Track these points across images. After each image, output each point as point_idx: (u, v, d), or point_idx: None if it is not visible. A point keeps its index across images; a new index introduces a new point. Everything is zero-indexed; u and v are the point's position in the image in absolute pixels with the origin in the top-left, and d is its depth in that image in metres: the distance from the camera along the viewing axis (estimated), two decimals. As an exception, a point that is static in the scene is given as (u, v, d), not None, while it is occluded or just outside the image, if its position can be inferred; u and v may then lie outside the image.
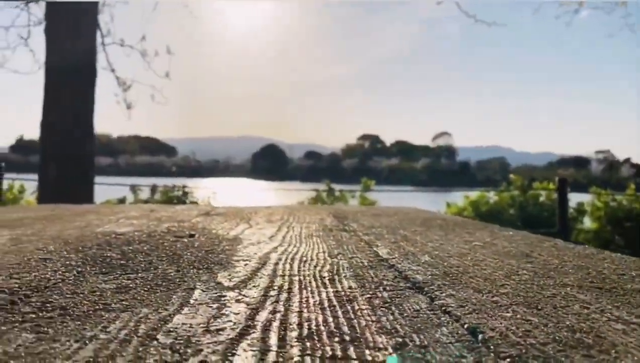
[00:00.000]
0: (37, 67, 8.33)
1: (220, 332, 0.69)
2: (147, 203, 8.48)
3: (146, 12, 8.43)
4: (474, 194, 10.40)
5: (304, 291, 0.92)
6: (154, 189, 10.02)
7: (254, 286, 0.97)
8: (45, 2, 6.30)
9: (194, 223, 2.19)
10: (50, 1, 6.05)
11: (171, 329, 0.70)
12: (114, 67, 8.16)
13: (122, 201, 9.23)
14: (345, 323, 0.72)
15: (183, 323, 0.73)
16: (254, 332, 0.69)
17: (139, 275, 1.09)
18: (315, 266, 1.17)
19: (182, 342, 0.65)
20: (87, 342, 0.65)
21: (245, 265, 1.19)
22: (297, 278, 1.04)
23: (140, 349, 0.62)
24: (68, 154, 5.98)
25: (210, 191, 10.63)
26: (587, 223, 9.67)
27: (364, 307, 0.81)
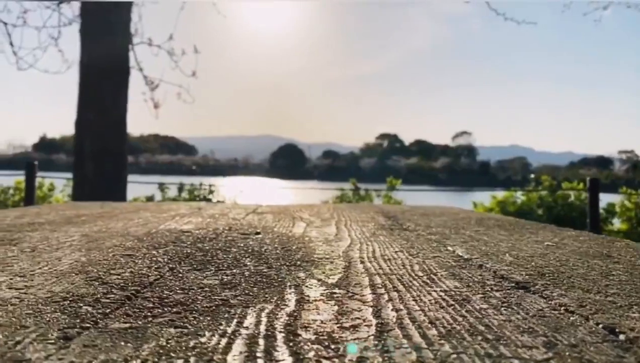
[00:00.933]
0: (66, 66, 8.48)
1: (357, 329, 0.69)
2: (175, 201, 8.55)
3: (174, 11, 8.47)
4: (500, 194, 10.30)
5: (411, 289, 0.92)
6: (180, 187, 10.11)
7: (356, 284, 0.97)
8: (80, 2, 6.39)
9: (249, 221, 2.20)
10: (85, 1, 6.14)
11: (306, 325, 0.71)
12: (142, 66, 8.24)
13: (150, 199, 9.33)
14: (478, 322, 0.72)
15: (313, 320, 0.74)
16: (391, 329, 0.69)
17: (233, 271, 1.10)
18: (403, 265, 1.17)
19: (325, 337, 0.66)
20: (232, 337, 0.66)
21: (331, 262, 1.20)
22: (394, 276, 1.04)
23: (291, 344, 0.63)
24: (103, 152, 6.06)
25: (235, 189, 10.70)
26: (617, 223, 9.53)
27: (484, 306, 0.81)
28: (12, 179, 8.98)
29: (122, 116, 6.27)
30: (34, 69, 8.43)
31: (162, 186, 10.01)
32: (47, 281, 0.98)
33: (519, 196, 10.12)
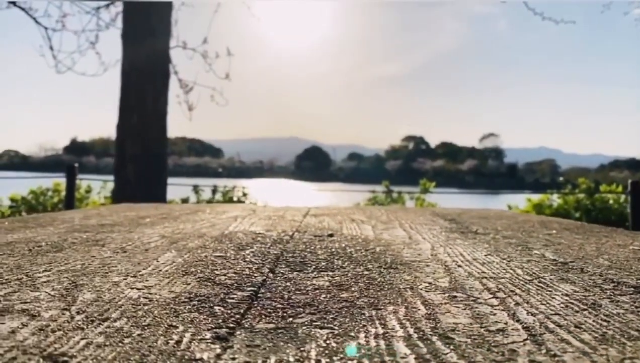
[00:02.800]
0: (103, 69, 8.63)
1: (506, 332, 0.69)
2: (209, 202, 8.63)
3: (208, 14, 8.56)
4: (535, 196, 10.15)
5: (531, 293, 0.92)
6: (214, 189, 10.20)
7: (471, 287, 0.97)
8: (122, 6, 6.50)
9: (310, 223, 2.21)
10: (128, 3, 6.25)
11: (451, 328, 0.71)
12: (176, 70, 8.34)
13: (185, 200, 9.43)
14: (626, 327, 0.71)
15: (454, 323, 0.73)
16: (542, 332, 0.68)
17: (335, 272, 1.10)
18: (504, 269, 1.16)
19: (480, 340, 0.66)
20: (386, 338, 0.66)
21: (427, 266, 1.20)
22: (504, 280, 1.03)
23: (451, 347, 0.63)
24: (144, 155, 6.16)
25: (262, 192, 10.78)
26: (658, 228, 9.30)
27: (620, 310, 0.80)
28: (46, 181, 9.16)
29: (162, 118, 6.36)
30: (72, 72, 8.60)
31: (196, 188, 10.11)
32: (161, 282, 1.00)
33: (555, 199, 9.95)
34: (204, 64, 8.51)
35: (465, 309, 0.81)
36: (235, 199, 9.83)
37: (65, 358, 0.59)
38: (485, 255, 1.35)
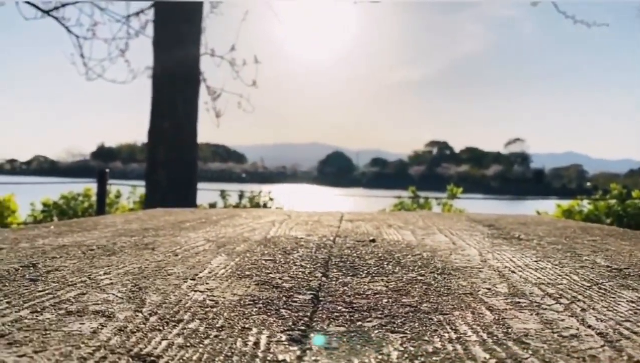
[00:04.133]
0: (132, 76, 8.78)
1: (580, 338, 0.69)
2: (236, 207, 8.70)
3: (236, 22, 8.64)
4: (564, 202, 9.99)
5: (594, 300, 0.91)
6: (241, 195, 10.27)
7: (531, 293, 0.96)
8: (153, 15, 6.62)
9: (348, 228, 2.22)
10: (159, 11, 6.36)
11: (524, 333, 0.71)
12: (205, 77, 8.43)
13: (213, 205, 9.52)
14: None
15: (525, 328, 0.73)
16: (618, 339, 0.68)
17: (389, 278, 1.11)
18: (559, 275, 1.15)
19: (556, 345, 0.65)
20: (462, 343, 0.67)
21: (480, 271, 1.19)
22: (562, 286, 1.03)
23: (530, 352, 0.63)
24: (175, 160, 6.25)
25: (287, 197, 10.82)
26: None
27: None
28: (75, 186, 9.33)
29: (193, 124, 6.44)
30: (101, 80, 8.77)
31: (223, 193, 10.20)
32: (221, 285, 1.01)
33: (585, 205, 9.78)
34: (231, 71, 8.59)
35: (532, 314, 0.81)
36: (261, 204, 9.88)
37: (153, 358, 0.60)
38: (536, 261, 1.34)
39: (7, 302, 0.85)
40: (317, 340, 0.68)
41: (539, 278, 1.11)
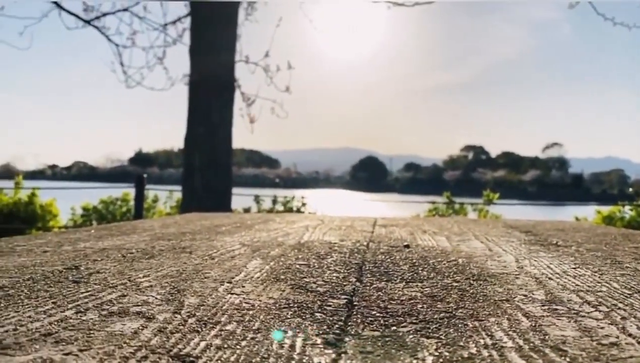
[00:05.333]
0: (170, 84, 8.96)
1: (620, 346, 0.67)
2: (270, 212, 8.77)
3: (271, 29, 8.73)
4: (604, 208, 9.72)
5: (635, 308, 0.89)
6: (274, 199, 10.34)
7: (569, 300, 0.95)
8: (190, 23, 6.77)
9: (382, 234, 2.21)
10: (196, 19, 6.50)
11: (562, 340, 0.70)
12: (239, 83, 8.54)
13: (247, 210, 9.61)
14: None
15: (562, 335, 0.72)
16: (659, 349, 0.66)
17: (424, 284, 1.10)
18: (598, 282, 1.13)
19: (595, 353, 0.64)
20: (498, 349, 0.66)
21: (517, 278, 1.18)
22: (601, 293, 1.01)
23: (568, 360, 0.62)
24: (210, 166, 6.36)
25: (320, 202, 10.85)
26: None
27: None
28: (113, 191, 9.55)
29: (228, 131, 6.54)
30: (139, 87, 8.97)
31: (257, 198, 10.29)
32: (257, 288, 1.03)
33: (627, 211, 9.49)
34: (265, 77, 8.68)
35: (570, 322, 0.80)
36: (294, 209, 9.93)
37: (192, 359, 0.62)
38: (574, 268, 1.31)
39: (53, 303, 0.88)
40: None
41: (577, 285, 1.09)
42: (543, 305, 0.91)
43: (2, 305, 0.86)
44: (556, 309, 0.88)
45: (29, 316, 0.79)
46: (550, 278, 1.17)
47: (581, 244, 1.89)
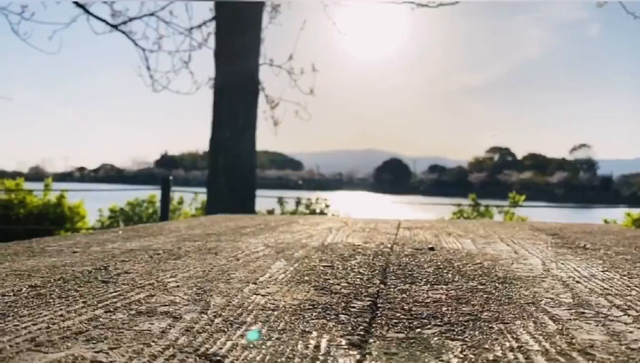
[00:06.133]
0: (195, 87, 9.07)
1: (650, 351, 0.66)
2: (293, 214, 8.80)
3: (294, 32, 8.77)
4: (635, 211, 9.51)
5: (666, 312, 0.87)
6: (298, 201, 10.38)
7: (596, 304, 0.94)
8: (214, 27, 6.85)
9: (406, 236, 2.21)
10: (220, 23, 6.59)
11: (589, 344, 0.69)
12: (263, 86, 8.60)
13: (270, 212, 9.66)
14: None
15: (590, 339, 0.72)
16: (691, 354, 0.65)
17: (449, 286, 1.10)
18: (628, 287, 1.11)
19: (622, 359, 0.64)
20: (523, 352, 0.66)
21: (543, 281, 1.17)
22: (631, 297, 0.99)
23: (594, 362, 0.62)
24: (235, 168, 6.42)
25: (343, 204, 10.86)
26: None
27: None
28: (140, 193, 9.69)
29: (252, 133, 6.59)
30: (167, 91, 9.10)
31: (280, 200, 10.33)
32: (281, 289, 1.04)
33: (659, 214, 9.27)
34: (289, 80, 8.72)
35: (597, 325, 0.79)
36: (317, 211, 9.95)
37: (218, 358, 0.63)
38: (603, 271, 1.29)
39: (83, 302, 0.91)
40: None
41: (605, 288, 1.07)
42: (570, 309, 0.90)
43: (35, 303, 0.89)
44: (584, 313, 0.87)
45: (61, 315, 0.81)
46: (577, 282, 1.15)
47: (610, 247, 1.86)
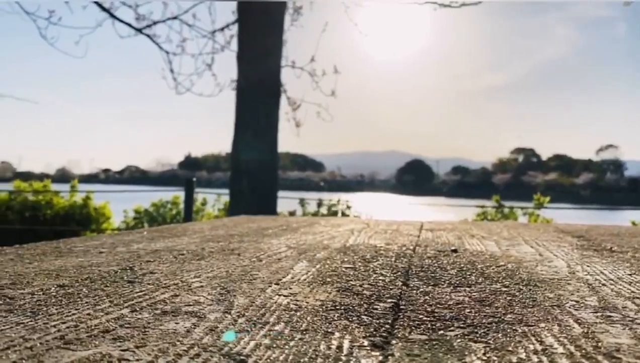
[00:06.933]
0: (218, 90, 9.15)
1: (678, 356, 0.65)
2: (314, 215, 8.81)
3: (316, 34, 8.78)
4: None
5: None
6: (319, 203, 10.38)
7: (623, 307, 0.92)
8: (237, 30, 6.91)
9: (428, 238, 2.19)
10: (243, 26, 6.64)
11: (616, 348, 0.68)
12: (285, 88, 8.62)
13: (292, 213, 9.69)
14: None
15: (617, 343, 0.71)
16: None
17: (472, 288, 1.09)
18: (654, 289, 1.09)
19: (650, 363, 0.63)
20: (546, 355, 0.65)
21: (568, 284, 1.15)
22: (658, 300, 0.97)
23: (622, 368, 0.61)
24: (257, 169, 6.46)
25: (365, 205, 10.84)
26: None
27: None
28: (164, 194, 9.80)
29: (274, 135, 6.63)
30: (190, 93, 9.20)
31: (302, 202, 10.35)
32: (303, 290, 1.04)
33: (689, 216, 9.05)
34: (311, 82, 8.74)
35: (624, 329, 0.77)
36: (339, 212, 9.94)
37: (242, 357, 0.64)
38: (630, 274, 1.27)
39: (110, 301, 0.92)
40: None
41: (632, 292, 1.06)
42: (596, 312, 0.88)
43: (63, 302, 0.91)
44: (610, 316, 0.85)
45: (88, 314, 0.83)
46: (603, 285, 1.14)
47: (638, 250, 1.82)
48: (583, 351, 0.67)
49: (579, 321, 0.82)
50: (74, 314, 0.83)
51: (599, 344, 0.70)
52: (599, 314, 0.87)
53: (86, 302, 0.91)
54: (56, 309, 0.86)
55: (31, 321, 0.78)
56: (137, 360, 0.63)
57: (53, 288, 1.02)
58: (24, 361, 0.61)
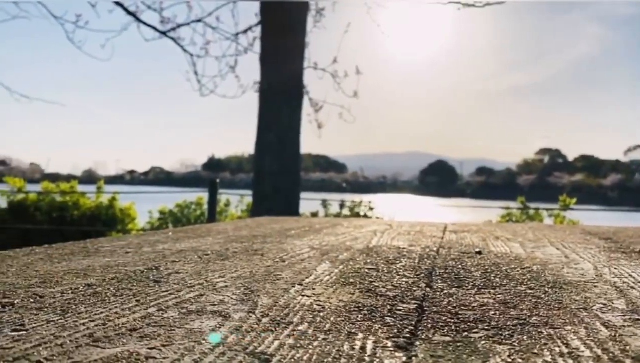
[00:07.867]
0: (241, 91, 9.22)
1: None
2: (337, 216, 8.81)
3: (338, 35, 8.79)
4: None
5: None
6: (342, 204, 10.38)
7: (652, 310, 0.90)
8: (260, 32, 6.97)
9: (452, 239, 2.18)
10: (265, 28, 6.70)
11: (643, 352, 0.67)
12: (307, 89, 8.65)
13: (314, 214, 9.70)
14: None
15: (645, 347, 0.69)
16: None
17: (497, 290, 1.09)
18: (685, 292, 1.06)
19: (680, 367, 0.62)
20: (574, 358, 0.65)
21: (595, 286, 1.13)
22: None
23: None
24: (280, 171, 6.50)
25: (388, 206, 10.80)
26: None
27: None
28: (188, 195, 9.89)
29: (296, 136, 6.67)
30: (214, 95, 9.28)
31: (324, 203, 10.36)
32: (326, 290, 1.05)
33: None
34: (333, 83, 8.75)
35: (653, 333, 0.76)
36: (361, 213, 9.93)
37: (267, 357, 0.64)
38: (659, 277, 1.24)
39: (136, 300, 0.94)
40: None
41: (663, 295, 1.03)
42: (624, 315, 0.87)
43: (91, 301, 0.93)
44: (638, 319, 0.84)
45: (116, 312, 0.85)
46: (632, 287, 1.12)
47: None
48: (610, 354, 0.66)
49: (606, 324, 0.81)
50: (101, 312, 0.85)
51: (627, 347, 0.69)
52: (626, 317, 0.85)
53: (113, 301, 0.93)
54: (84, 307, 0.88)
55: (61, 319, 0.80)
56: (164, 358, 0.64)
57: (81, 287, 1.04)
58: (54, 357, 0.63)
